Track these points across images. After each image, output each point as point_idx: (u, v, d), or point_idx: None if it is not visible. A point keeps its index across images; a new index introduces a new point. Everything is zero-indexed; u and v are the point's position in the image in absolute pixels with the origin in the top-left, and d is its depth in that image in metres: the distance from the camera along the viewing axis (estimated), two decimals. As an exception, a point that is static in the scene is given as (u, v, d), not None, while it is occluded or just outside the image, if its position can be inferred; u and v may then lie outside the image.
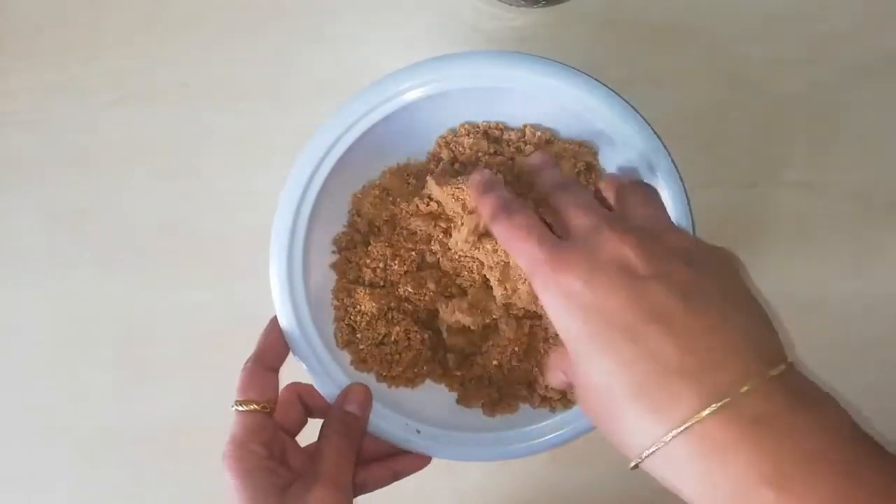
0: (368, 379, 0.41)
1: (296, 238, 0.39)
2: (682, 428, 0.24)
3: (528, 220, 0.32)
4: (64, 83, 0.51)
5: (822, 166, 0.50)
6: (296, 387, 0.39)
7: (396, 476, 0.39)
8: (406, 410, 0.40)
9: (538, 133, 0.41)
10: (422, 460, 0.40)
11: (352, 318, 0.41)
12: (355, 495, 0.38)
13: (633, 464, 0.27)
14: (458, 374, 0.42)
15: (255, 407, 0.35)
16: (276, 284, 0.39)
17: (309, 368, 0.39)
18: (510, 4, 0.49)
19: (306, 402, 0.39)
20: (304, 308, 0.39)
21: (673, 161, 0.38)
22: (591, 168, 0.41)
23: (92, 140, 0.52)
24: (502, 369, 0.41)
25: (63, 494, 0.53)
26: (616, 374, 0.26)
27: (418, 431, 0.39)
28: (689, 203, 0.38)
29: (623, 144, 0.38)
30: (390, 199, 0.42)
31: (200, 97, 0.51)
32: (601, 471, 0.50)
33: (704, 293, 0.27)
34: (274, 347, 0.39)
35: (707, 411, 0.24)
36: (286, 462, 0.36)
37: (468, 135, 0.41)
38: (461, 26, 0.50)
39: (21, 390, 0.52)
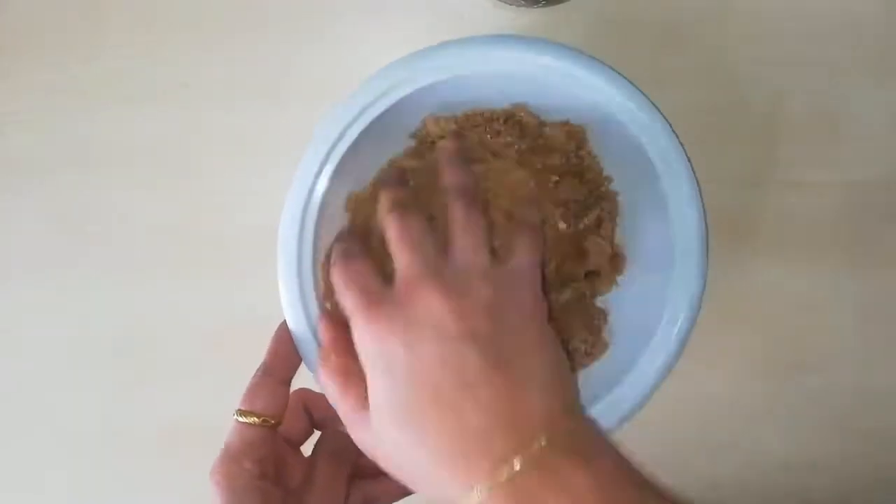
0: None
1: (304, 237, 0.37)
2: (480, 491, 0.27)
3: (359, 268, 0.33)
4: (64, 83, 0.51)
5: (822, 166, 0.50)
6: (303, 394, 0.37)
7: (407, 490, 0.37)
8: None
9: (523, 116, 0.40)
10: None
11: None
12: None
13: None
14: None
15: (256, 420, 0.33)
16: (284, 286, 0.37)
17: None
18: (510, 4, 0.49)
19: (312, 412, 0.37)
20: (315, 312, 0.37)
21: (682, 145, 0.37)
22: (582, 145, 0.41)
23: (92, 140, 0.51)
24: None
25: (63, 494, 0.53)
26: (423, 444, 0.28)
27: None
28: (701, 197, 0.37)
29: (631, 128, 0.37)
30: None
31: (200, 97, 0.51)
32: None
33: (504, 352, 0.29)
34: (284, 357, 0.36)
35: (503, 476, 0.26)
36: (281, 479, 0.34)
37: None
38: (461, 26, 0.50)
39: (21, 390, 0.52)
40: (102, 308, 0.52)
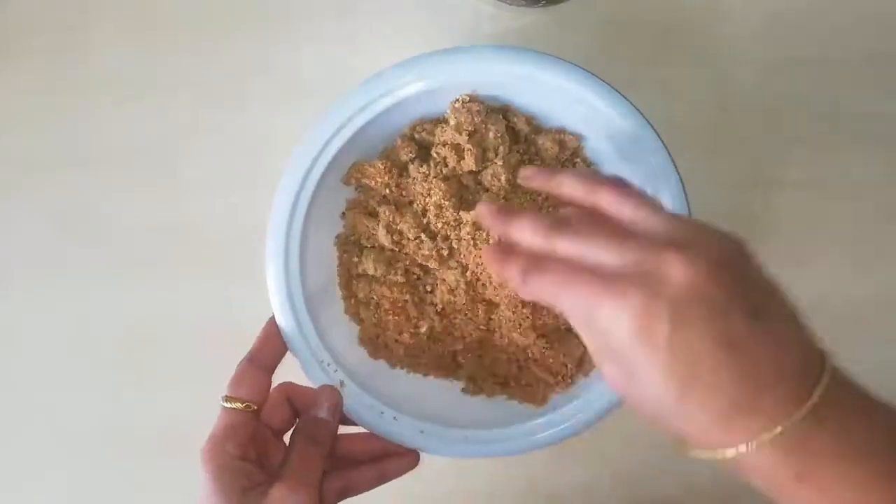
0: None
1: (292, 233, 0.39)
2: (747, 447, 0.26)
3: (564, 264, 0.29)
4: (64, 83, 0.51)
5: (823, 166, 0.50)
6: (286, 387, 0.39)
7: (384, 478, 0.39)
8: (408, 409, 0.40)
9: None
10: (410, 462, 0.39)
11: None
12: (341, 498, 0.38)
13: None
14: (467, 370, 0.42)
15: (240, 406, 0.36)
16: (272, 281, 0.39)
17: (304, 364, 0.39)
18: (510, 4, 0.49)
19: (295, 404, 0.39)
20: (301, 304, 0.39)
21: (674, 162, 0.38)
22: (577, 153, 0.41)
23: (92, 140, 0.52)
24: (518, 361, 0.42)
25: (63, 494, 0.53)
26: (696, 405, 0.27)
27: (422, 432, 0.39)
28: (687, 202, 0.38)
29: (623, 142, 0.38)
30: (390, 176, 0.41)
31: (200, 97, 0.51)
32: (600, 471, 0.50)
33: (766, 309, 0.27)
34: (270, 346, 0.39)
35: (767, 435, 0.26)
36: (264, 462, 0.36)
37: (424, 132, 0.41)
38: (461, 26, 0.50)
39: (21, 390, 0.52)
40: (102, 308, 0.52)
